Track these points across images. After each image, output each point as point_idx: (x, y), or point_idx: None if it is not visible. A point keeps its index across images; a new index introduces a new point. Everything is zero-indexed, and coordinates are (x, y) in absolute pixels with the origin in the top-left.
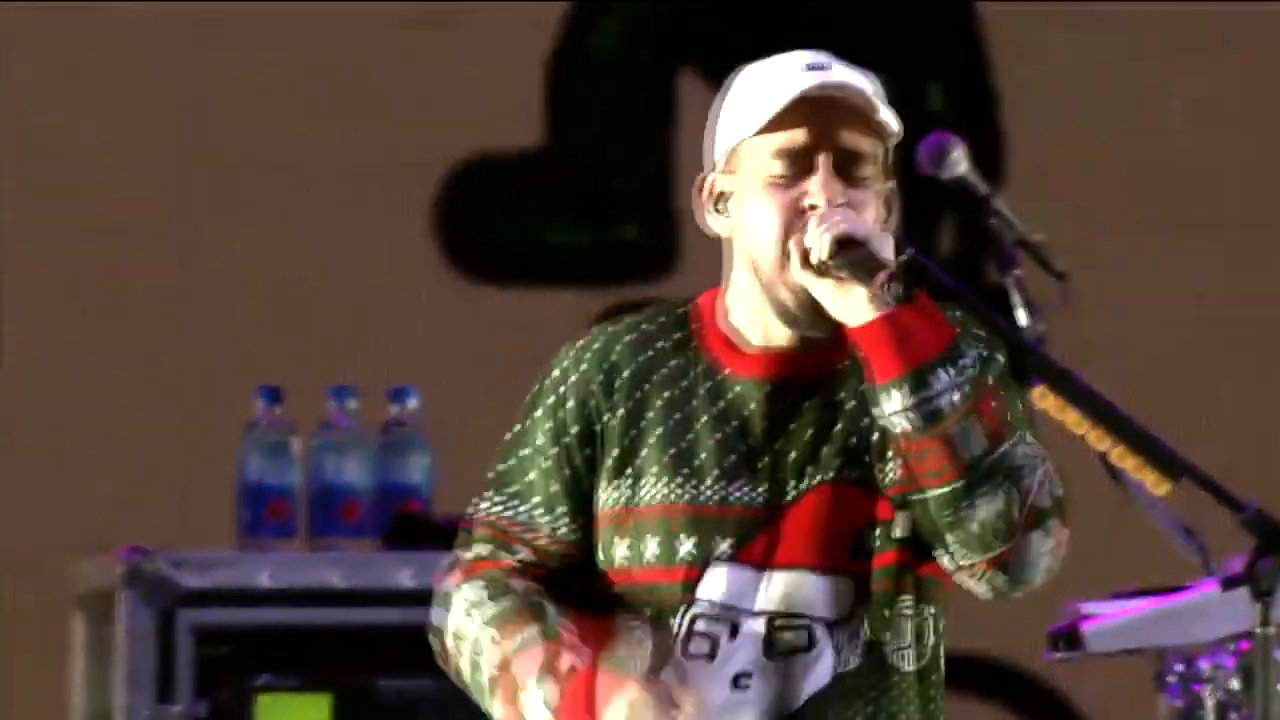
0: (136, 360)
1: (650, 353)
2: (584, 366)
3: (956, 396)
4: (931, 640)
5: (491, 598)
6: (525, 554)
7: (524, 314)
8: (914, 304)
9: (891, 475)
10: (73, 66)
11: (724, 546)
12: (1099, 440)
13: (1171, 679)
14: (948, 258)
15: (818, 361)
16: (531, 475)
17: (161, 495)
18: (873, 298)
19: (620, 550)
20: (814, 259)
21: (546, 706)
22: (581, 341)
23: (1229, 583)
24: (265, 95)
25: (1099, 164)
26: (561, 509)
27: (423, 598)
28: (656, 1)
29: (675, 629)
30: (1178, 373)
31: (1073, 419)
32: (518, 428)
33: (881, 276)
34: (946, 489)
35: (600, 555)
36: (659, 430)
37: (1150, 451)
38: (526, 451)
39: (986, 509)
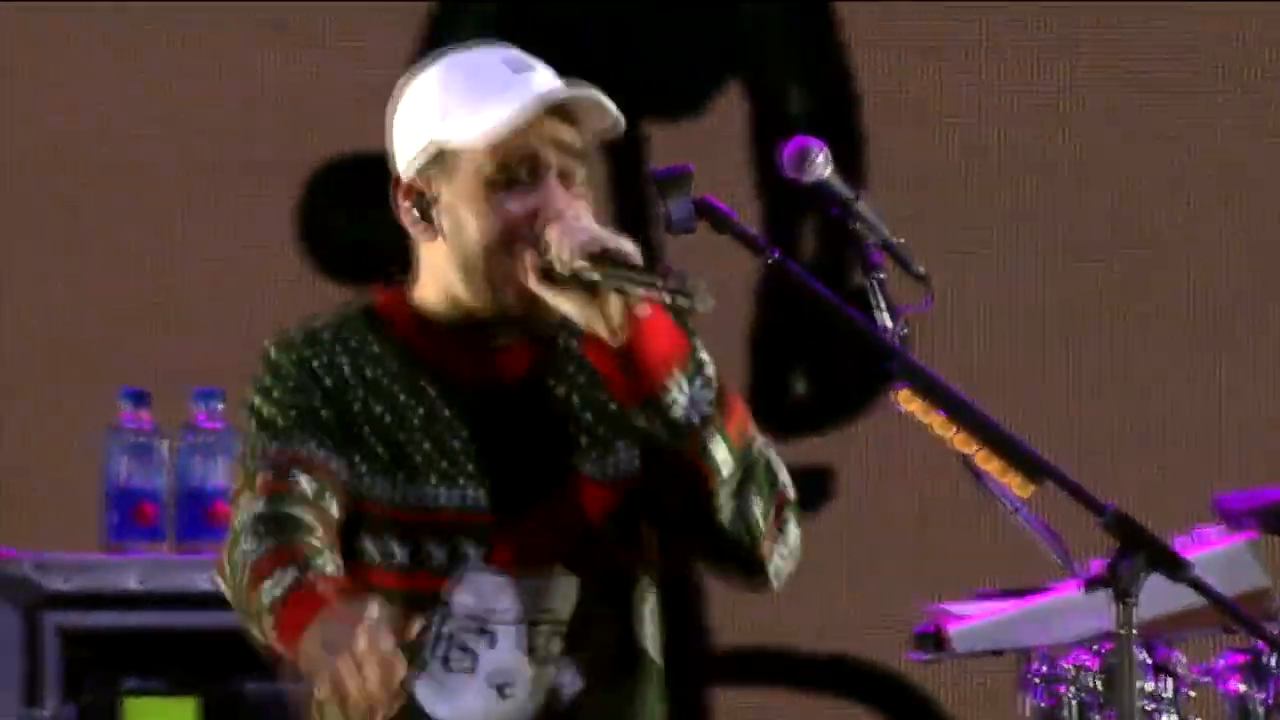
0: (0, 361)
1: (357, 359)
2: (300, 355)
3: (703, 409)
4: (657, 626)
5: (267, 531)
6: (311, 484)
7: None
8: (649, 318)
9: (623, 465)
10: None
11: (471, 553)
12: (963, 443)
13: (1034, 679)
14: (811, 261)
15: (530, 355)
16: (295, 430)
17: (27, 498)
18: (623, 306)
19: (368, 547)
20: (564, 268)
21: (271, 601)
22: (283, 340)
23: (1091, 584)
24: (131, 96)
25: (950, 167)
26: (340, 459)
27: None
28: (517, 4)
29: (430, 637)
30: (1022, 375)
31: (937, 422)
32: (255, 406)
33: (660, 283)
34: (703, 499)
35: (344, 548)
36: (389, 438)
37: (1013, 454)
38: (273, 413)
39: (745, 513)
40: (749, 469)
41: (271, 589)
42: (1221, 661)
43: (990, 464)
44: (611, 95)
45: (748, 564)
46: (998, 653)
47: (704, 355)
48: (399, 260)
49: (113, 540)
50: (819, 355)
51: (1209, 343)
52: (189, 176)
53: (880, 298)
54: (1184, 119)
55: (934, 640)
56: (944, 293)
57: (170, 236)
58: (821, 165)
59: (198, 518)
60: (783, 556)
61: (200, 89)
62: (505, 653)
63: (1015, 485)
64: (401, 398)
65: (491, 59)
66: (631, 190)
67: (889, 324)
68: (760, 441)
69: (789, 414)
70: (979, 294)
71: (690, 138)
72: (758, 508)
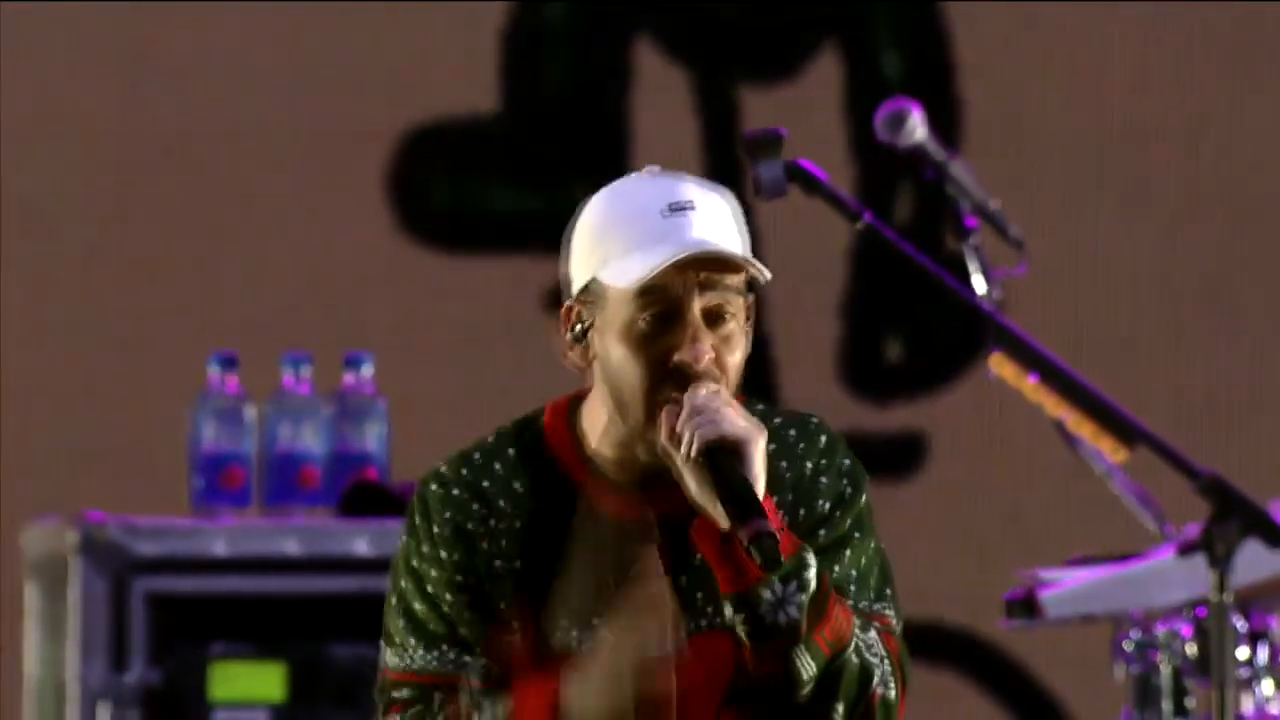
0: (90, 326)
1: (516, 491)
2: (455, 506)
3: (792, 615)
4: None
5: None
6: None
7: (478, 281)
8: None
9: None
10: (17, 34)
11: None
12: (1056, 407)
13: (1128, 646)
14: (905, 225)
15: (679, 497)
16: (432, 624)
17: (115, 462)
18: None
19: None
20: (682, 452)
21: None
22: (439, 482)
23: (1186, 549)
24: (222, 63)
25: (1046, 130)
26: (476, 646)
27: (378, 565)
28: None
29: None
30: (1117, 340)
31: (1030, 387)
32: (401, 583)
33: (747, 532)
34: (784, 695)
35: None
36: (535, 576)
37: (1107, 419)
38: (419, 605)
39: (814, 716)
40: (836, 673)
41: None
42: None
43: (1084, 428)
44: (705, 57)
45: None
46: (1091, 619)
47: (810, 560)
48: (491, 229)
49: (200, 505)
50: (912, 320)
51: None
52: (279, 140)
53: (975, 262)
54: None
55: (1026, 606)
56: (1040, 257)
57: (261, 200)
58: (916, 128)
59: (285, 482)
60: None
61: (288, 53)
62: None
63: (1109, 450)
64: (548, 532)
65: (654, 195)
66: (724, 153)
67: (984, 289)
68: (857, 645)
69: (882, 379)
70: (1077, 259)
71: (783, 100)
72: (835, 713)
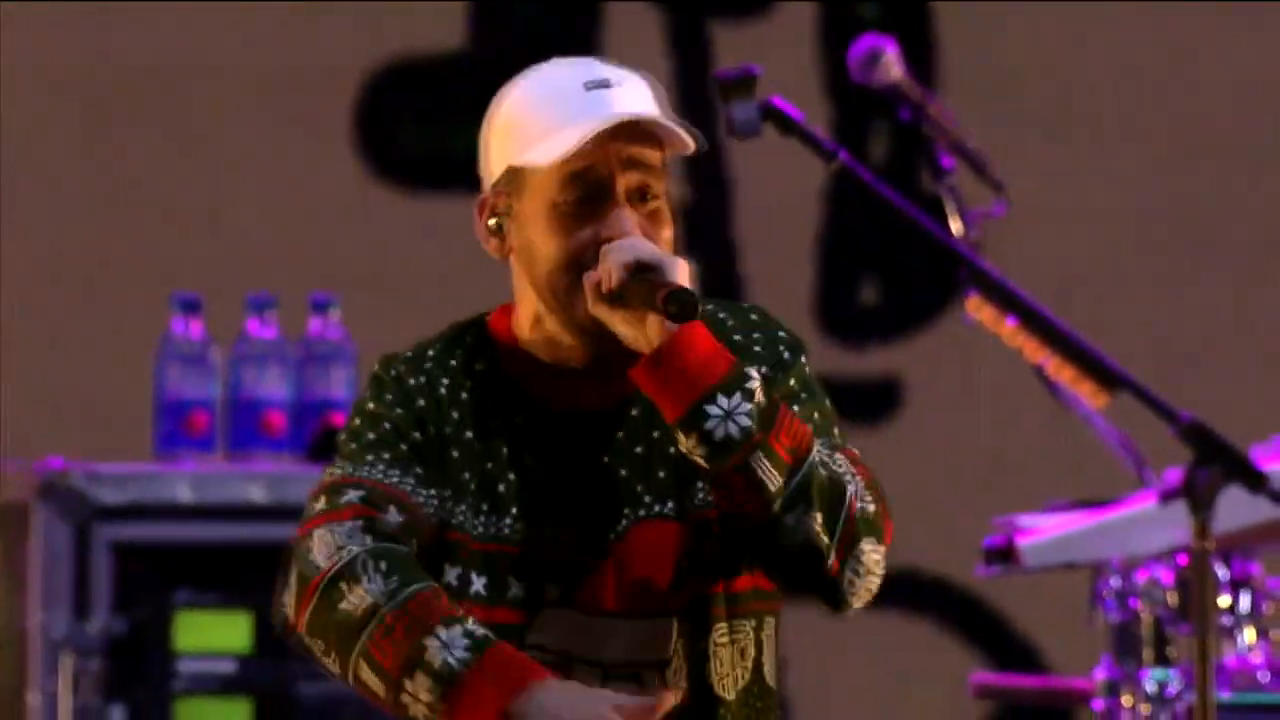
0: (51, 268)
1: (457, 380)
2: (424, 374)
3: (742, 423)
4: (753, 653)
5: (400, 567)
6: (399, 516)
7: (447, 222)
8: (689, 332)
9: (701, 498)
10: None
11: (551, 591)
12: (1035, 352)
13: (1108, 594)
14: (881, 165)
15: (617, 387)
16: (387, 446)
17: (77, 408)
18: (662, 324)
19: (448, 574)
20: (604, 288)
21: (453, 661)
22: (406, 358)
23: (1167, 496)
24: (188, 1)
25: (1025, 70)
26: (428, 490)
27: None
28: None
29: None
30: (1097, 283)
31: (1008, 331)
32: (356, 421)
33: (661, 292)
34: (756, 518)
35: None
36: (475, 465)
37: (1087, 363)
38: (373, 434)
39: (801, 531)
40: (803, 485)
41: (444, 650)
42: None
43: (1063, 373)
44: None
45: (817, 583)
46: (1070, 566)
47: (749, 373)
48: (459, 169)
49: (163, 450)
50: (888, 262)
51: None
52: (244, 79)
53: (953, 203)
54: (1275, 25)
55: (1004, 554)
56: (1019, 198)
57: (226, 140)
58: (892, 66)
59: (250, 428)
60: (856, 574)
61: None
62: None
63: (1089, 395)
64: (492, 424)
65: (570, 76)
66: (696, 92)
67: (961, 230)
68: (822, 456)
69: (857, 322)
70: (1056, 200)
71: (756, 37)
72: (815, 524)
